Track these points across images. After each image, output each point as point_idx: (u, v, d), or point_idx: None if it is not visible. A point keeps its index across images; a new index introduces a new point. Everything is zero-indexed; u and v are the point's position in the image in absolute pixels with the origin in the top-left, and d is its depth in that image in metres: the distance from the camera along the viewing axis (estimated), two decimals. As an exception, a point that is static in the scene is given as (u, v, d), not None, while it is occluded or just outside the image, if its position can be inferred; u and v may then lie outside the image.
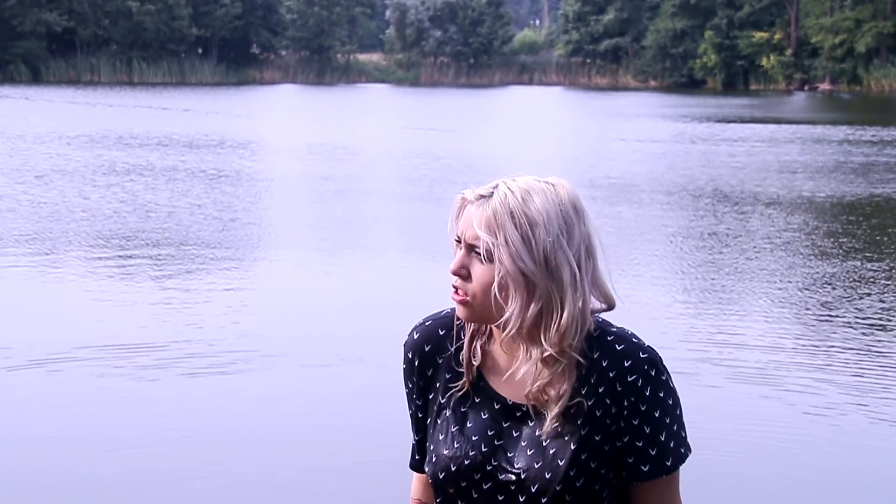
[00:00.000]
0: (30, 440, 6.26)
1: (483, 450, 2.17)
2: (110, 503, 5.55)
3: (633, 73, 74.85)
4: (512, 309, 2.09)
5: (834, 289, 10.37)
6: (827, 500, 5.80)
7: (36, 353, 7.86)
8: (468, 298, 2.13)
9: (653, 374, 2.13)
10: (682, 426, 2.18)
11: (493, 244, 2.08)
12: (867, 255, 12.21)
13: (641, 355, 2.13)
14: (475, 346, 2.22)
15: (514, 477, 2.15)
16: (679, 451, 2.17)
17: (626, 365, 2.13)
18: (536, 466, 2.14)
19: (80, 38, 68.06)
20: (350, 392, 7.23)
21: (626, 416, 2.13)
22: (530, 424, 2.16)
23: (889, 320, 9.20)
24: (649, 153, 24.64)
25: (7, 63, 65.04)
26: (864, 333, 8.78)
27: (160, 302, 9.65)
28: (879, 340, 8.61)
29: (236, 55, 74.18)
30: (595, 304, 2.15)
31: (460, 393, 2.22)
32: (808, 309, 9.63)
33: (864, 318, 9.21)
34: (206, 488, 5.67)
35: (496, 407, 2.19)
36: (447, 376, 2.24)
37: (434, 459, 2.22)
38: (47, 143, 25.06)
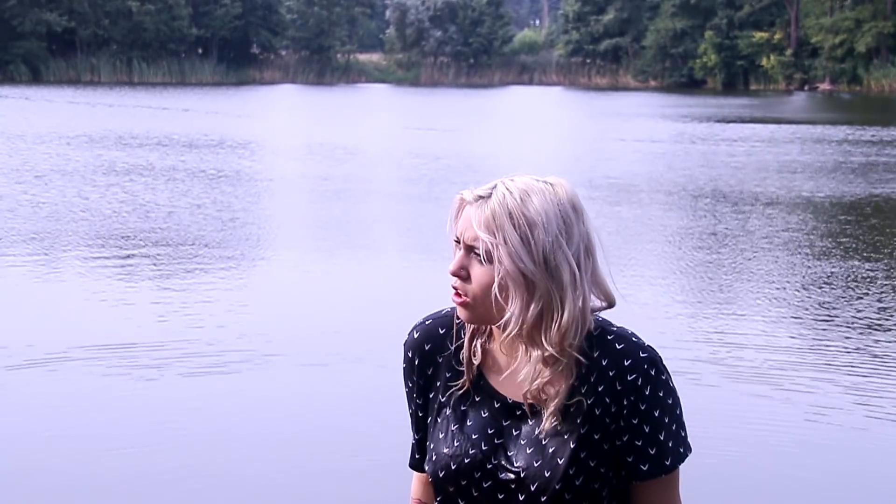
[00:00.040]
0: (29, 440, 6.26)
1: (483, 448, 2.17)
2: (109, 503, 5.55)
3: (633, 73, 74.87)
4: (512, 310, 2.09)
5: (833, 288, 10.37)
6: (827, 500, 5.80)
7: (35, 353, 7.86)
8: (468, 300, 2.13)
9: (653, 373, 2.13)
10: (681, 426, 2.18)
11: (492, 245, 2.08)
12: (866, 255, 12.22)
13: (641, 354, 2.13)
14: (475, 346, 2.22)
15: (513, 475, 2.15)
16: (678, 450, 2.17)
17: (625, 364, 2.13)
18: (536, 465, 2.14)
19: (80, 38, 68.08)
20: (349, 392, 7.23)
21: (625, 415, 2.13)
22: (530, 423, 2.16)
23: (888, 319, 9.20)
24: (649, 153, 24.64)
25: (7, 63, 65.05)
26: (863, 333, 8.78)
27: (159, 302, 9.65)
28: (878, 340, 8.61)
29: (236, 55, 74.20)
30: (596, 302, 2.16)
31: (460, 392, 2.22)
32: (807, 309, 9.64)
33: (863, 318, 9.21)
34: (206, 488, 5.67)
35: (496, 405, 2.19)
36: (447, 375, 2.24)
37: (434, 458, 2.22)
38: (47, 142, 25.06)
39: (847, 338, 8.65)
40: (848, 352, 8.25)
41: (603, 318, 2.18)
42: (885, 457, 6.25)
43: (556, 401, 2.13)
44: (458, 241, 2.14)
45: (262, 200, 16.81)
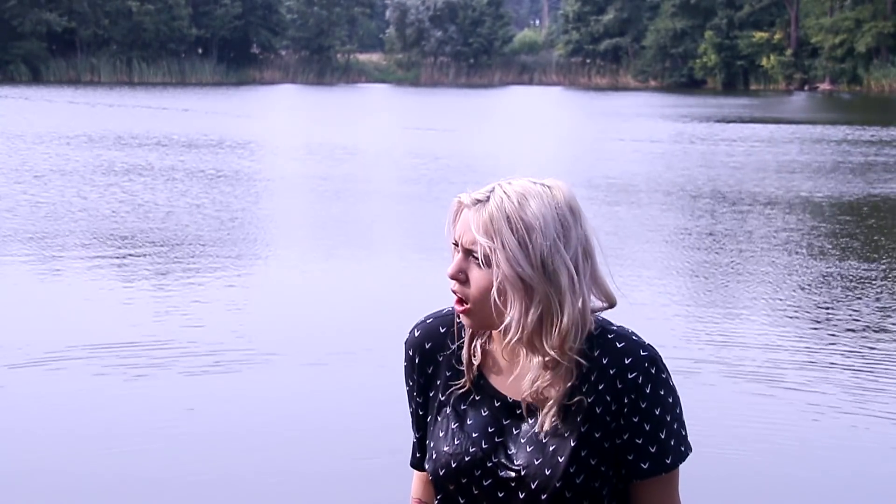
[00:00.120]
0: (28, 439, 6.26)
1: (483, 446, 2.18)
2: (108, 502, 5.55)
3: (633, 73, 74.88)
4: (512, 314, 2.09)
5: (832, 288, 10.37)
6: (827, 500, 5.80)
7: (34, 352, 7.86)
8: (469, 307, 2.13)
9: (653, 371, 2.14)
10: (682, 424, 2.18)
11: (490, 249, 2.08)
12: (865, 254, 12.22)
13: (642, 353, 2.14)
14: (475, 346, 2.22)
15: (514, 474, 2.15)
16: (679, 449, 2.17)
17: (626, 362, 2.13)
18: (536, 463, 2.14)
19: (80, 38, 68.09)
20: (349, 391, 7.23)
21: (626, 414, 2.14)
22: (530, 422, 2.17)
23: (887, 319, 9.20)
24: (648, 153, 24.64)
25: (7, 63, 65.07)
26: (862, 333, 8.78)
27: (158, 301, 9.66)
28: (878, 340, 8.62)
29: (236, 55, 74.21)
30: (596, 303, 2.16)
31: (461, 391, 2.23)
32: (805, 308, 9.64)
33: (862, 318, 9.21)
34: (206, 488, 5.67)
35: (496, 404, 2.20)
36: (447, 374, 2.25)
37: (434, 456, 2.23)
38: (46, 142, 25.06)
39: (846, 337, 8.65)
40: (847, 351, 8.25)
41: (603, 318, 2.18)
42: (885, 457, 6.25)
43: (556, 401, 2.13)
44: (456, 245, 2.15)
45: (262, 200, 16.81)
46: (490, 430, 2.19)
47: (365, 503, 5.57)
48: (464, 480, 2.19)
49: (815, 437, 6.47)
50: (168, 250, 12.12)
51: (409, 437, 2.36)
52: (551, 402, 2.14)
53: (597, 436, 2.14)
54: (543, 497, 2.14)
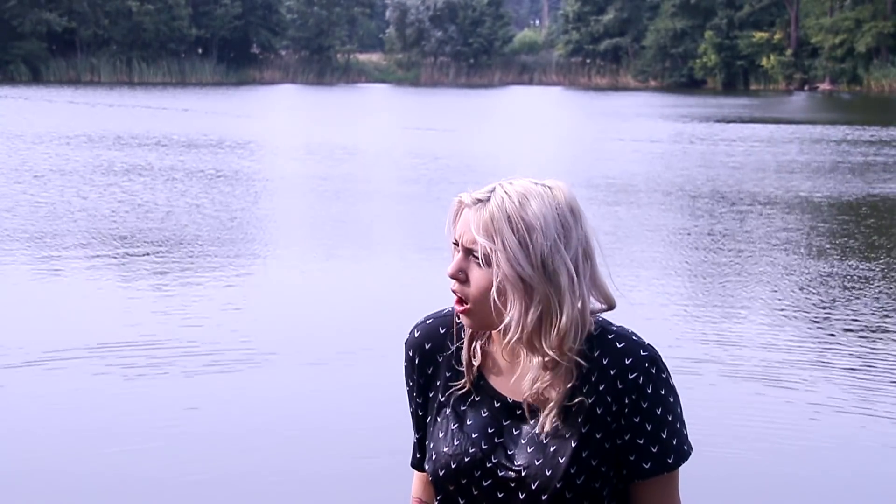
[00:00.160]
0: (27, 439, 6.26)
1: (483, 447, 2.18)
2: (108, 502, 5.55)
3: (633, 73, 74.89)
4: (511, 314, 2.10)
5: (831, 288, 10.38)
6: (827, 500, 5.80)
7: (33, 352, 7.86)
8: (469, 307, 2.13)
9: (653, 371, 2.14)
10: (683, 424, 2.18)
11: (490, 249, 2.08)
12: (864, 254, 12.22)
13: (642, 353, 2.14)
14: (475, 347, 2.22)
15: (514, 474, 2.15)
16: (682, 448, 2.17)
17: (626, 363, 2.13)
18: (537, 464, 2.14)
19: (80, 38, 68.10)
20: (348, 391, 7.23)
21: (627, 414, 2.14)
22: (530, 422, 2.17)
23: (886, 319, 9.20)
24: (648, 153, 24.64)
25: (7, 63, 65.07)
26: (861, 332, 8.78)
27: (158, 301, 9.66)
28: (877, 339, 8.62)
29: (236, 55, 74.22)
30: (596, 304, 2.16)
31: (460, 392, 2.23)
32: (805, 308, 9.64)
33: (861, 318, 9.21)
34: (205, 488, 5.67)
35: (496, 405, 2.20)
36: (447, 375, 2.25)
37: (434, 457, 2.23)
38: (46, 142, 25.06)
39: (845, 337, 8.65)
40: (847, 351, 8.25)
41: (603, 318, 2.19)
42: (885, 457, 6.25)
43: (557, 402, 2.13)
44: (456, 245, 2.15)
45: (261, 200, 16.81)
46: (490, 430, 2.19)
47: (365, 503, 5.57)
48: (463, 481, 2.19)
49: (815, 437, 6.47)
50: (167, 250, 12.11)
51: (410, 437, 2.36)
52: (552, 403, 2.14)
53: (597, 436, 2.14)
54: (544, 498, 2.14)
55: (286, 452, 6.09)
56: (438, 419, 2.25)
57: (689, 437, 2.21)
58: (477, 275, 2.12)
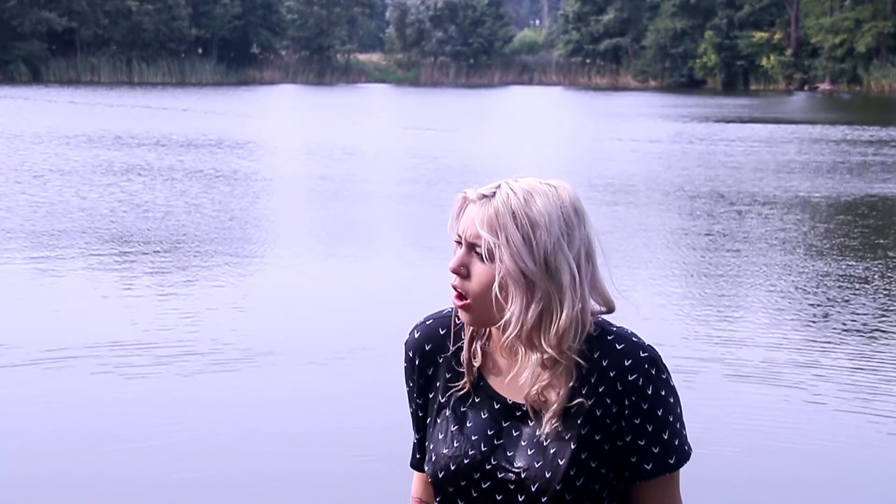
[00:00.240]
0: (27, 439, 6.26)
1: (482, 449, 2.18)
2: (108, 502, 5.55)
3: (633, 73, 74.88)
4: (512, 309, 2.10)
5: (830, 288, 10.38)
6: (827, 500, 5.80)
7: (32, 352, 7.86)
8: (469, 302, 2.13)
9: (653, 372, 2.14)
10: (683, 425, 2.18)
11: (494, 243, 2.08)
12: (863, 254, 12.22)
13: (642, 354, 2.14)
14: (475, 348, 2.22)
15: (513, 476, 2.15)
16: (683, 448, 2.17)
17: (626, 364, 2.13)
18: (536, 466, 2.14)
19: (80, 38, 68.11)
20: (348, 391, 7.23)
21: (627, 416, 2.13)
22: (530, 424, 2.16)
23: (885, 319, 9.20)
24: (647, 153, 24.65)
25: (7, 63, 65.07)
26: (861, 333, 8.78)
27: (157, 301, 9.65)
28: (877, 339, 8.62)
29: (236, 55, 74.22)
30: (595, 306, 2.16)
31: (460, 393, 2.23)
32: (804, 308, 9.64)
33: (860, 318, 9.21)
34: (205, 487, 5.67)
35: (496, 407, 2.20)
36: (447, 376, 2.24)
37: (433, 458, 2.22)
38: (45, 142, 25.07)
39: (845, 337, 8.65)
40: (846, 351, 8.25)
41: (602, 319, 2.18)
42: (885, 456, 6.25)
43: (556, 404, 2.13)
44: (458, 241, 2.15)
45: (261, 200, 16.81)
46: (489, 432, 2.19)
47: (365, 501, 5.57)
48: (463, 483, 2.19)
49: (815, 437, 6.47)
50: (167, 250, 12.12)
51: (409, 437, 2.36)
52: (551, 404, 2.14)
53: (597, 438, 2.14)
54: (543, 500, 2.14)
55: (285, 452, 6.09)
56: (438, 420, 2.24)
57: (689, 437, 2.21)
58: (479, 270, 2.12)
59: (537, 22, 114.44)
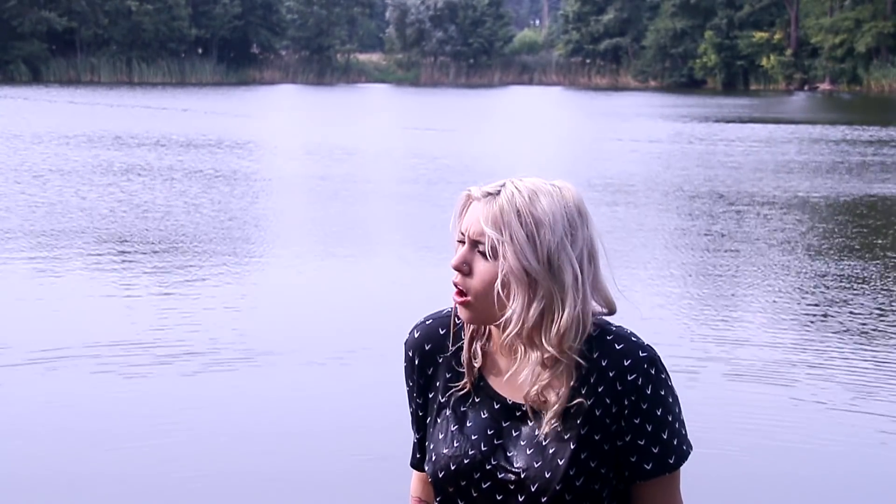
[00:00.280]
0: (27, 439, 6.26)
1: (482, 449, 2.18)
2: (108, 502, 5.55)
3: (633, 73, 74.88)
4: (514, 307, 2.10)
5: (829, 288, 10.38)
6: (827, 499, 5.80)
7: (32, 351, 7.86)
8: (469, 299, 2.13)
9: (653, 372, 2.14)
10: (682, 424, 2.19)
11: (497, 241, 2.09)
12: (862, 254, 12.22)
13: (641, 354, 2.14)
14: (475, 348, 2.22)
15: (513, 476, 2.15)
16: (682, 448, 2.18)
17: (625, 364, 2.13)
18: (536, 466, 2.14)
19: (80, 38, 68.10)
20: (347, 391, 7.23)
21: (626, 416, 2.14)
22: (530, 424, 2.16)
23: (885, 319, 9.20)
24: (646, 153, 24.65)
25: (7, 63, 65.07)
26: (860, 332, 8.78)
27: (157, 300, 9.66)
28: (876, 339, 8.62)
29: (236, 55, 74.21)
30: (596, 307, 2.17)
31: (460, 393, 2.23)
32: (803, 308, 9.64)
33: (860, 318, 9.21)
34: (204, 487, 5.67)
35: (496, 407, 2.20)
36: (447, 376, 2.24)
37: (433, 458, 2.22)
38: (45, 142, 25.07)
39: (845, 336, 8.65)
40: (846, 350, 8.26)
41: (602, 319, 2.18)
42: (884, 456, 6.25)
43: (556, 404, 2.13)
44: (461, 239, 2.15)
45: (260, 200, 16.81)
46: (489, 432, 2.19)
47: (365, 500, 5.57)
48: (463, 483, 2.19)
49: (815, 437, 6.47)
50: (166, 250, 12.12)
51: (409, 437, 2.36)
52: (551, 405, 2.14)
53: (596, 438, 2.14)
54: (543, 500, 2.14)
55: (285, 452, 6.10)
56: (438, 420, 2.24)
57: (689, 437, 2.21)
58: (481, 267, 2.12)
59: (537, 22, 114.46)
